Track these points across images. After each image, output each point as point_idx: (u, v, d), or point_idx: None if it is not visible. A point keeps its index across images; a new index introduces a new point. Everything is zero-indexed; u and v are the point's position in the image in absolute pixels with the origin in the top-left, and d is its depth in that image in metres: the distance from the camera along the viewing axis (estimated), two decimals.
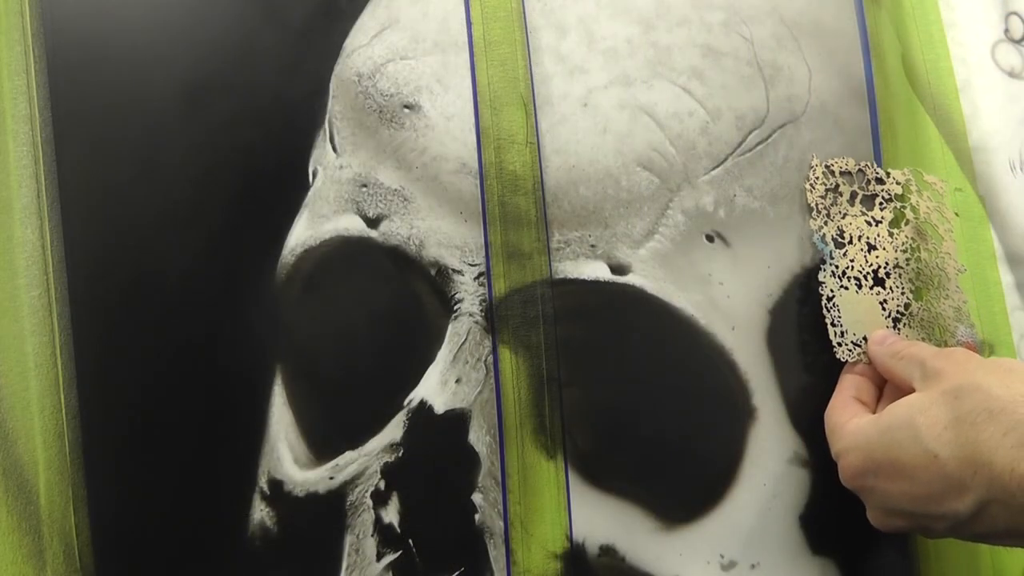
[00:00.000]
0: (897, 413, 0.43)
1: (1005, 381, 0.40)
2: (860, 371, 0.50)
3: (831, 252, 0.52)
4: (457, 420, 0.51)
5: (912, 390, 0.44)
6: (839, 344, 0.50)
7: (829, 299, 0.51)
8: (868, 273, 0.52)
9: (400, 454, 0.51)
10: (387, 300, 0.52)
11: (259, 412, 0.52)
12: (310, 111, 0.53)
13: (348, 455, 0.51)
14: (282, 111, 0.53)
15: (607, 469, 0.51)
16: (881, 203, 0.53)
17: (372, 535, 0.50)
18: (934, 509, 0.41)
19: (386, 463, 0.51)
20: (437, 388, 0.51)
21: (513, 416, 0.51)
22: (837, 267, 0.52)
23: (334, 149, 0.53)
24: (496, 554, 0.50)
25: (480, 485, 0.51)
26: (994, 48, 0.57)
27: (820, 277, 0.51)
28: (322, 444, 0.51)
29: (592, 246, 0.51)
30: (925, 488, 0.41)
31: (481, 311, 0.51)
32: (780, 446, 0.51)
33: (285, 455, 0.51)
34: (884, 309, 0.51)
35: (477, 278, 0.51)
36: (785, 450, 0.51)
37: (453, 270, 0.52)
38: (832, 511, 0.51)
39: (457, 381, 0.51)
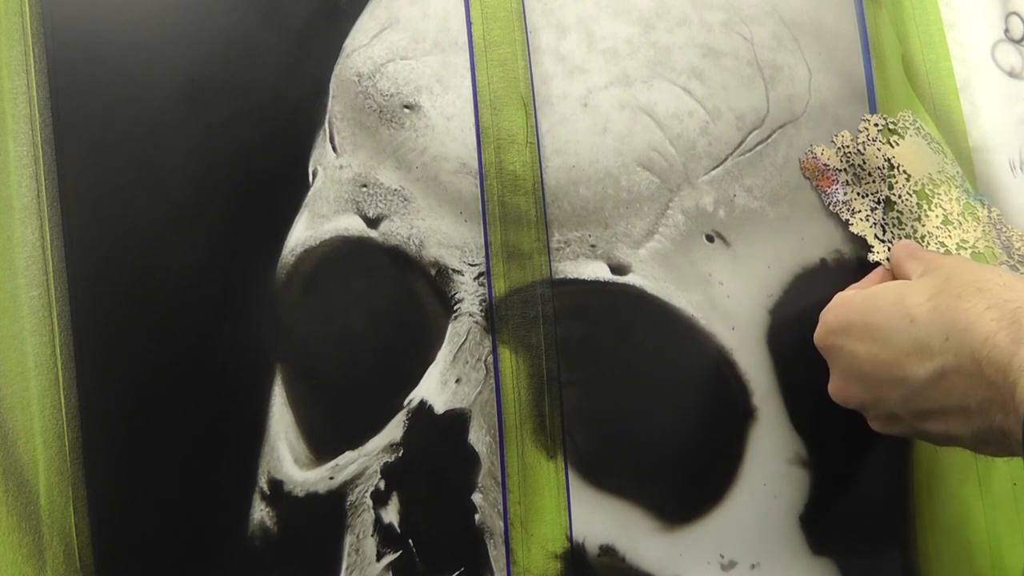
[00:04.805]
0: (888, 285, 0.45)
1: (999, 278, 0.41)
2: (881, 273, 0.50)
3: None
4: (457, 420, 0.51)
5: None
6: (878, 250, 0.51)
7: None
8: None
9: (400, 454, 0.51)
10: (387, 300, 0.52)
11: (259, 412, 0.51)
12: (310, 111, 0.53)
13: (348, 455, 0.51)
14: (282, 111, 0.53)
15: (607, 469, 0.51)
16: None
17: (372, 535, 0.50)
18: (895, 373, 0.42)
19: (386, 463, 0.51)
20: (437, 388, 0.51)
21: (513, 416, 0.51)
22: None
23: (334, 149, 0.53)
24: (496, 554, 0.50)
25: (480, 485, 0.51)
26: (994, 48, 0.57)
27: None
28: (322, 444, 0.51)
29: (592, 246, 0.51)
30: (892, 351, 0.42)
31: (481, 311, 0.51)
32: (780, 446, 0.51)
33: (285, 455, 0.51)
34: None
35: (477, 278, 0.51)
36: (785, 450, 0.51)
37: (453, 270, 0.52)
38: (832, 511, 0.51)
39: (457, 381, 0.51)
